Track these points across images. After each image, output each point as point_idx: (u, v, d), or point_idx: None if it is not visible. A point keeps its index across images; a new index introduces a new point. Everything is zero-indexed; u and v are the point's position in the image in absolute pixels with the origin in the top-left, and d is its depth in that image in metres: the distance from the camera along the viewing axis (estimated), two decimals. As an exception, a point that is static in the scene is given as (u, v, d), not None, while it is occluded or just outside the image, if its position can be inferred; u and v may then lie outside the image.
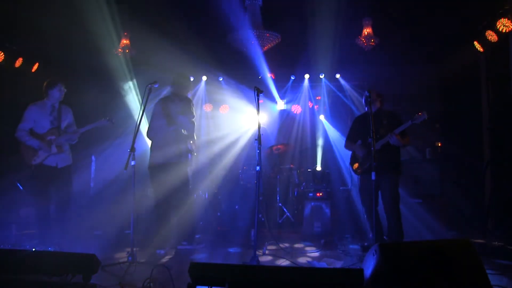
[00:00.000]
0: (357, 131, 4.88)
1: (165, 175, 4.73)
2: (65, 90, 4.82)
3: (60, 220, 4.69)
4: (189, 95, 5.31)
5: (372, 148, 4.04)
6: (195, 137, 5.04)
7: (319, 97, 8.13)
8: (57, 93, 4.76)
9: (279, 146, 6.99)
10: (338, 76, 7.73)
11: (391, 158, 4.57)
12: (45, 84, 4.77)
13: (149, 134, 4.93)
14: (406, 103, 6.66)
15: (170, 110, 4.82)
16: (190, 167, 5.01)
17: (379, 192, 4.61)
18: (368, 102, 4.40)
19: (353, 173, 5.30)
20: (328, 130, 7.94)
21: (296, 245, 5.16)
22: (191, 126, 4.87)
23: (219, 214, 6.45)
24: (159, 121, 4.83)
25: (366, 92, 4.51)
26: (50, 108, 4.78)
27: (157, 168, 4.77)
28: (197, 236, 5.25)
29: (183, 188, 4.88)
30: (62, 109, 4.85)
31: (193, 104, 5.05)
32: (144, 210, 5.65)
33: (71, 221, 4.88)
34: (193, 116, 4.93)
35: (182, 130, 4.85)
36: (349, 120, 7.63)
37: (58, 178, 4.71)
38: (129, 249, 3.96)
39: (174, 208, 4.86)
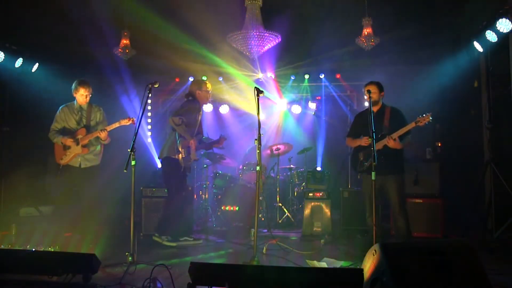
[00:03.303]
0: (358, 128, 4.75)
1: (162, 169, 5.32)
2: (87, 94, 4.86)
3: (62, 220, 4.71)
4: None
5: (373, 148, 3.98)
6: (189, 138, 5.01)
7: (319, 97, 8.13)
8: (80, 98, 4.88)
9: (279, 146, 6.99)
10: (338, 76, 7.73)
11: (394, 157, 4.43)
12: (72, 86, 4.90)
13: None
14: (406, 103, 6.66)
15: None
16: (180, 166, 5.00)
17: (381, 193, 4.49)
18: (370, 100, 4.25)
19: (350, 173, 5.28)
20: (328, 130, 7.94)
21: (296, 245, 5.15)
22: (178, 128, 4.91)
23: (219, 214, 6.45)
24: None
25: (366, 90, 4.45)
26: (77, 108, 4.92)
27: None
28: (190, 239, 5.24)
29: (168, 185, 5.24)
30: (91, 108, 4.97)
31: (190, 108, 5.08)
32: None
33: (72, 220, 4.88)
34: (179, 118, 4.88)
35: (174, 131, 5.00)
36: (348, 120, 7.63)
37: (79, 178, 4.81)
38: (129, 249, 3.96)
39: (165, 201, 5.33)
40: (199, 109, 5.22)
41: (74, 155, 4.79)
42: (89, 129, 4.87)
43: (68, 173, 4.81)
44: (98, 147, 4.96)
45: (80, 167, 4.83)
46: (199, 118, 5.25)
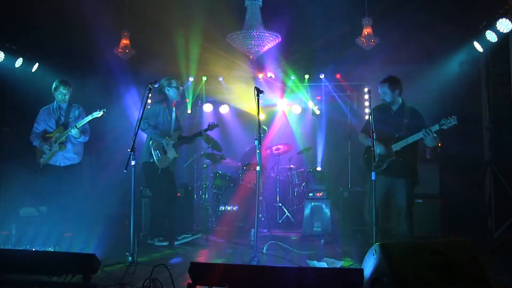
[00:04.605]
0: (375, 124, 4.26)
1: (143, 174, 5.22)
2: (66, 92, 4.88)
3: (61, 219, 4.70)
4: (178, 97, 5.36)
5: (372, 148, 3.97)
6: (160, 140, 5.08)
7: (319, 97, 8.13)
8: (58, 95, 4.89)
9: (279, 146, 6.98)
10: (338, 76, 7.73)
11: (409, 160, 4.32)
12: (53, 84, 4.92)
13: None
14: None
15: None
16: (157, 168, 5.05)
17: (388, 194, 4.45)
18: (370, 100, 4.17)
19: (350, 173, 5.25)
20: (328, 130, 7.94)
21: (296, 245, 5.15)
22: (145, 132, 5.11)
23: (219, 214, 6.45)
24: None
25: (367, 89, 4.40)
26: (56, 108, 4.94)
27: None
28: (183, 240, 5.26)
29: (150, 188, 5.44)
30: (71, 107, 4.99)
31: (155, 111, 5.15)
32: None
33: (71, 220, 4.88)
34: (143, 123, 4.93)
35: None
36: (348, 120, 7.62)
37: (60, 177, 4.79)
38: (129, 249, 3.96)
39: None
40: (166, 107, 5.21)
41: (53, 153, 4.80)
42: (67, 127, 4.87)
43: (49, 172, 4.82)
44: (73, 145, 4.90)
45: (60, 165, 4.84)
46: (172, 115, 5.27)
